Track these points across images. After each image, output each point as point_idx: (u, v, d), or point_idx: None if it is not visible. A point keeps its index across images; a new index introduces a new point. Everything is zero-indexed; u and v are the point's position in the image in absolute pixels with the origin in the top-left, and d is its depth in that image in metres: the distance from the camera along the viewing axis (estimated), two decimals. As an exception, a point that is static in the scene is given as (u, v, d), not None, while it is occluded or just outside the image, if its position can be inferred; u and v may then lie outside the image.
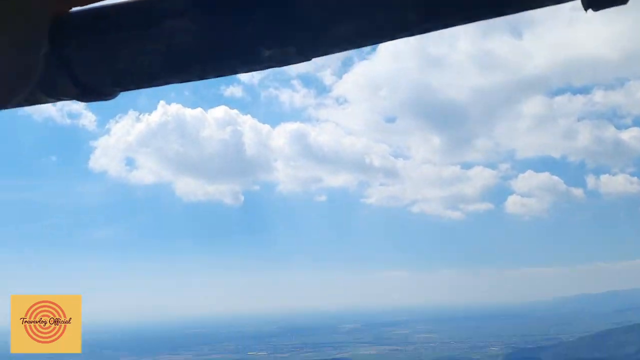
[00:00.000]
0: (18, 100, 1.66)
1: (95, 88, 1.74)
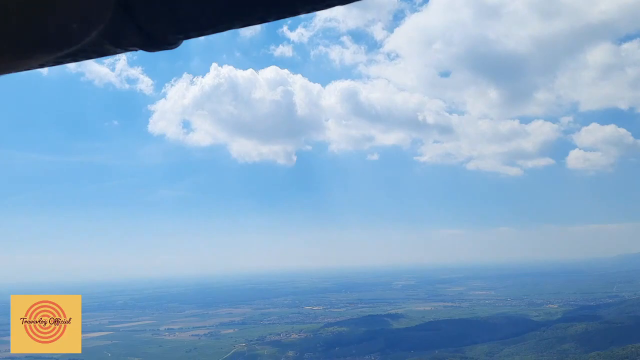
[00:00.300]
0: (85, 51, 1.69)
1: (159, 36, 1.77)
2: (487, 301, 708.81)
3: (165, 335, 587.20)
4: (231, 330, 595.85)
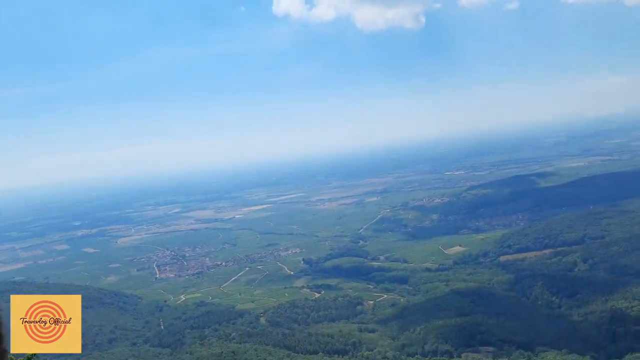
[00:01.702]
0: None
1: None
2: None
3: (316, 205, 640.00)
4: (375, 198, 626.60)
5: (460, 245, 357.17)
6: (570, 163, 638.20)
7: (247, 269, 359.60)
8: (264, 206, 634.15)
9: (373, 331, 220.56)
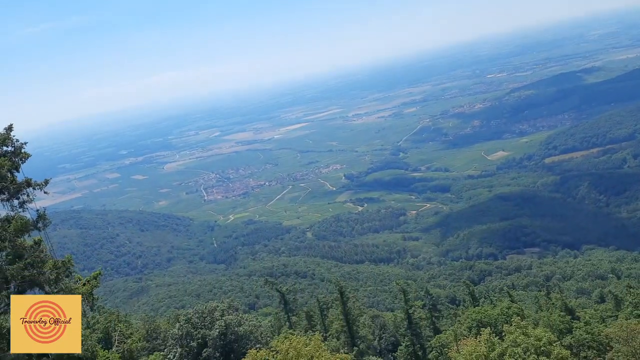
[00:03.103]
0: None
1: None
2: None
3: (353, 120, 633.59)
4: (414, 109, 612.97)
5: (503, 150, 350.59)
6: (620, 55, 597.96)
7: (290, 187, 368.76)
8: (302, 125, 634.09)
9: (417, 239, 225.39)
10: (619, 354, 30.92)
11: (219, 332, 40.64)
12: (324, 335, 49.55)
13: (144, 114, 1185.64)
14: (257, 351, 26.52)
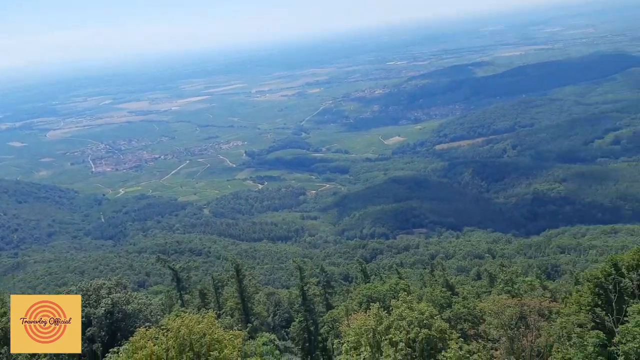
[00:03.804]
0: None
1: None
2: (583, 40, 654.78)
3: (256, 97, 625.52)
4: (317, 90, 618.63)
5: (399, 136, 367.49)
6: (507, 52, 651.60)
7: (187, 161, 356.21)
8: (202, 98, 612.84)
9: (315, 218, 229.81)
10: (491, 325, 33.73)
11: (105, 311, 38.17)
12: (218, 312, 48.69)
13: (28, 76, 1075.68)
14: (147, 330, 25.28)
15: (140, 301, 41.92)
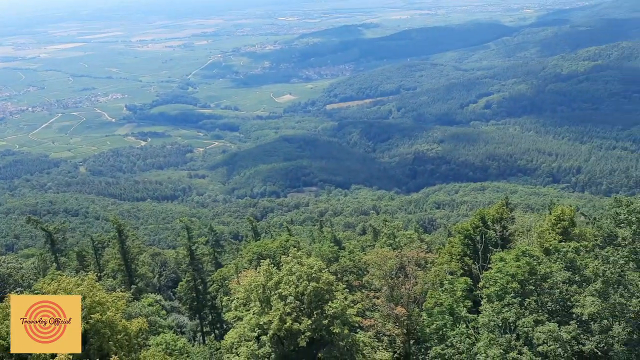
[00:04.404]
0: None
1: None
2: (464, 7, 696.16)
3: (138, 47, 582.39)
4: (205, 42, 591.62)
5: (290, 94, 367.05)
6: (394, 15, 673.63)
7: (59, 115, 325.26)
8: (75, 45, 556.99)
9: (203, 177, 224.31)
10: (373, 276, 35.81)
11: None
12: (99, 275, 46.05)
13: None
14: (18, 295, 23.21)
15: (9, 265, 39.79)
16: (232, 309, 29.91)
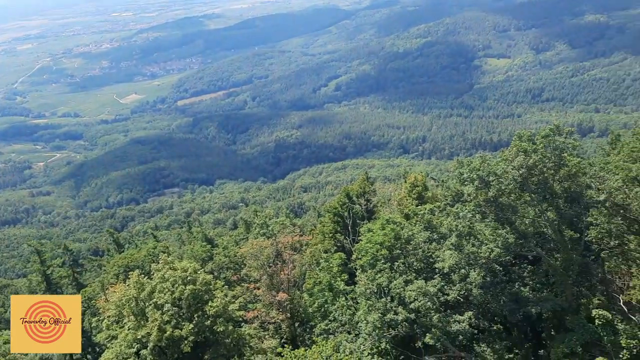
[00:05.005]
0: None
1: None
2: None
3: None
4: (29, 45, 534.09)
5: (136, 93, 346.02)
6: (235, 5, 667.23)
7: None
8: None
9: (48, 194, 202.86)
10: (251, 268, 35.67)
11: None
12: None
13: None
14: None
15: None
16: (104, 328, 27.80)
